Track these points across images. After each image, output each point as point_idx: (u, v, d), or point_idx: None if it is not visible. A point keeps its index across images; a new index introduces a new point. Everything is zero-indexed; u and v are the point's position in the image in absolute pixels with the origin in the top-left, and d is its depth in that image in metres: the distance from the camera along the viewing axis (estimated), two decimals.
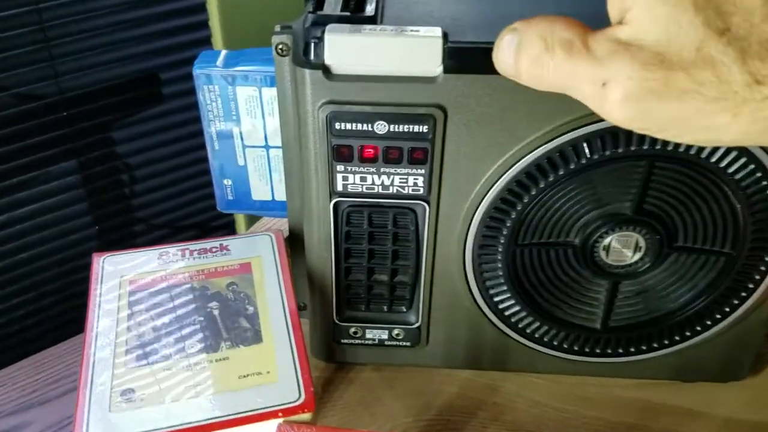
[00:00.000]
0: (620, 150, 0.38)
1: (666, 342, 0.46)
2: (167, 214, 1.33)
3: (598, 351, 0.47)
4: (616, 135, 0.37)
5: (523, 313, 0.45)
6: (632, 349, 0.47)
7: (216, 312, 0.41)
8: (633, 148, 0.38)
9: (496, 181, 0.39)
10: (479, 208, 0.40)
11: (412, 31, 0.35)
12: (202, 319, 0.41)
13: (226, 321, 0.41)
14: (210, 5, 1.21)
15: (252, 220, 1.40)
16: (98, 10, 1.10)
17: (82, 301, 0.42)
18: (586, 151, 0.38)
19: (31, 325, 1.23)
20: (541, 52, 0.26)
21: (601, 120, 0.36)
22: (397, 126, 0.37)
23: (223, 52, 0.44)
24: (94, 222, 1.24)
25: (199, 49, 1.23)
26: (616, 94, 0.25)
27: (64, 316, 1.26)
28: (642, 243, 0.42)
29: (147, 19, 1.16)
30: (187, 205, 1.35)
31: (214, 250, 0.46)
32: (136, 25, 1.16)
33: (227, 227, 1.42)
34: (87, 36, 1.11)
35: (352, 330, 0.47)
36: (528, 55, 0.27)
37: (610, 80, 0.25)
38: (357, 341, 0.48)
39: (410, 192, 0.40)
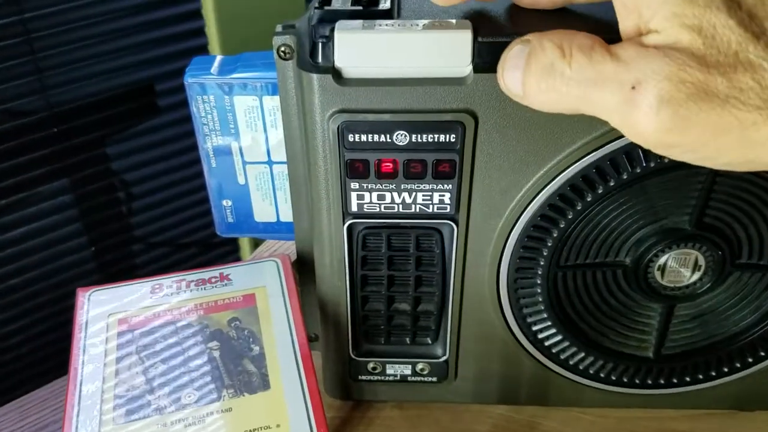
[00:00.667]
0: None
1: (726, 369, 0.41)
2: (166, 232, 1.28)
3: (649, 382, 0.42)
4: None
5: (566, 343, 0.40)
6: (687, 379, 0.42)
7: (217, 354, 0.36)
8: None
9: (536, 196, 0.34)
10: (515, 226, 0.36)
11: (435, 25, 0.31)
12: (200, 362, 0.36)
13: (229, 364, 0.36)
14: (206, 11, 1.16)
15: (257, 240, 1.36)
16: (87, 18, 1.06)
17: None
18: (642, 158, 0.33)
19: (24, 355, 1.18)
20: (555, 60, 0.23)
21: None
22: (419, 136, 0.33)
23: (218, 58, 0.39)
24: (89, 243, 1.19)
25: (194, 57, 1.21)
26: (650, 96, 0.22)
27: (59, 347, 1.21)
28: (702, 261, 0.37)
29: (140, 28, 1.12)
30: (187, 222, 1.30)
31: (213, 280, 0.41)
32: (128, 33, 1.11)
33: (229, 244, 1.38)
34: (76, 47, 1.07)
35: (371, 365, 0.42)
36: (540, 65, 0.23)
37: (643, 81, 0.22)
38: (376, 377, 0.43)
39: (435, 210, 0.35)
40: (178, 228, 1.30)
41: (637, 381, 0.42)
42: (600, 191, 0.34)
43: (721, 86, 0.21)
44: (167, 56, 1.16)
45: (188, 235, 1.32)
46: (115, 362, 0.36)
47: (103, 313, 0.39)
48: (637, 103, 0.22)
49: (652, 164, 0.33)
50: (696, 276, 0.38)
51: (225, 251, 1.38)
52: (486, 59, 0.31)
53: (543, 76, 0.24)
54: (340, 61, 0.31)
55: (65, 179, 1.13)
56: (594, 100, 0.23)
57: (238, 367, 0.36)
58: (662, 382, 0.42)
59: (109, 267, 1.23)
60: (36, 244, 1.13)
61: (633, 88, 0.22)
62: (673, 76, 0.21)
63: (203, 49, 1.19)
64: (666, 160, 0.33)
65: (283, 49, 0.34)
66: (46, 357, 1.20)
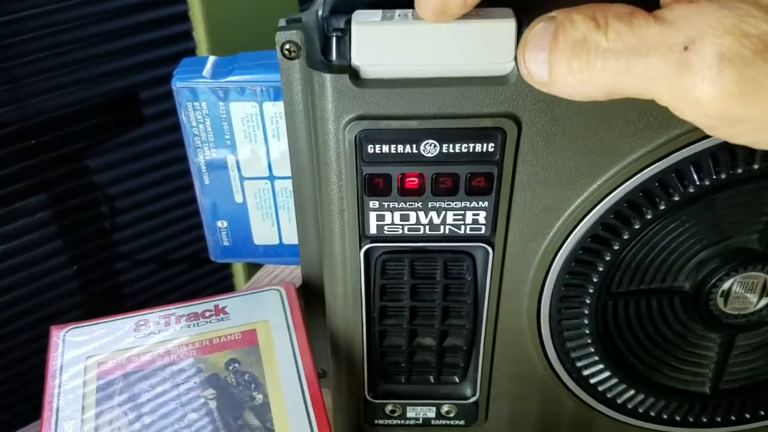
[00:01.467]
0: (755, 166, 0.29)
1: None
2: (153, 249, 1.23)
3: (704, 420, 0.38)
4: (750, 147, 0.28)
5: (614, 380, 0.35)
6: (747, 416, 0.38)
7: (213, 404, 0.31)
8: None
9: (587, 214, 0.30)
10: (561, 250, 0.31)
11: (471, 13, 0.26)
12: (194, 416, 0.31)
13: (227, 417, 0.31)
14: (194, 14, 1.11)
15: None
16: (66, 23, 1.00)
17: None
18: (712, 169, 0.28)
19: (2, 383, 1.12)
20: (588, 32, 0.19)
21: None
22: (452, 146, 0.28)
23: (211, 59, 0.34)
24: (71, 262, 1.13)
25: None
26: (707, 55, 0.18)
27: (39, 373, 1.15)
28: None
29: (122, 32, 1.06)
30: (175, 237, 1.25)
31: (207, 314, 0.36)
32: (109, 38, 1.06)
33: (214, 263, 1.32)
34: (53, 53, 1.01)
35: (389, 408, 0.37)
36: (569, 41, 0.20)
37: (697, 39, 0.18)
38: (395, 421, 0.38)
39: (468, 232, 0.31)
40: (165, 244, 1.24)
41: (691, 419, 0.38)
42: (662, 208, 0.29)
43: None
44: (152, 62, 1.11)
45: (177, 251, 1.26)
46: (94, 417, 0.31)
47: (81, 356, 0.34)
48: (691, 65, 0.18)
49: (723, 176, 0.29)
50: (764, 302, 0.33)
51: (216, 268, 1.32)
52: None
53: (574, 52, 0.20)
54: (358, 59, 0.27)
55: (44, 194, 1.07)
56: (637, 71, 0.19)
57: (238, 420, 0.31)
58: (719, 420, 0.38)
59: (93, 286, 1.18)
60: (13, 264, 1.07)
61: (686, 48, 0.18)
62: (735, 28, 0.18)
63: (191, 54, 1.14)
64: (738, 171, 0.29)
65: (288, 46, 0.29)
66: (24, 386, 1.14)
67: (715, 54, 0.18)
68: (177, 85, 0.33)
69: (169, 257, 1.26)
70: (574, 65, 0.20)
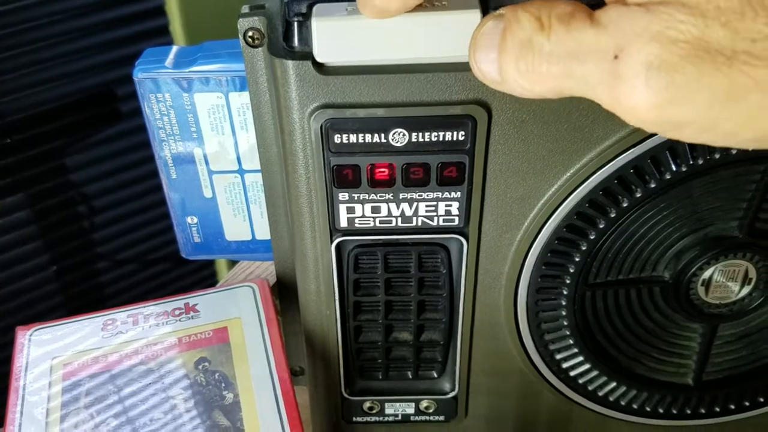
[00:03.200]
0: (733, 151, 0.28)
1: None
2: (133, 248, 1.22)
3: (688, 412, 0.37)
4: None
5: (594, 372, 0.35)
6: (732, 407, 0.37)
7: (182, 405, 0.31)
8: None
9: (561, 204, 0.29)
10: (536, 240, 0.30)
11: (434, 4, 0.25)
12: (162, 417, 0.30)
13: (197, 417, 0.30)
14: (170, 8, 1.10)
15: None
16: (38, 19, 0.99)
17: None
18: (688, 154, 0.28)
19: None
20: (533, 34, 0.20)
21: None
22: (421, 134, 0.27)
23: (174, 49, 0.34)
24: (51, 262, 1.12)
25: None
26: (635, 64, 0.18)
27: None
28: (753, 273, 0.32)
29: (96, 28, 1.05)
30: (156, 236, 1.24)
31: (177, 312, 0.36)
32: (84, 34, 1.04)
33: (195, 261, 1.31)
34: (28, 49, 0.99)
35: (367, 405, 0.37)
36: (516, 41, 0.20)
37: (625, 47, 0.18)
38: (374, 418, 0.38)
39: (441, 223, 0.30)
40: (146, 243, 1.23)
41: (674, 411, 0.37)
42: (638, 195, 0.29)
43: (724, 40, 0.17)
44: (128, 58, 1.08)
45: (158, 249, 1.25)
46: (59, 419, 0.30)
47: (46, 356, 0.33)
48: (621, 74, 0.18)
49: (700, 161, 0.28)
50: (745, 291, 0.33)
51: (198, 266, 1.31)
52: None
53: (521, 54, 0.20)
54: (321, 46, 0.26)
55: (21, 194, 1.06)
56: (576, 76, 0.19)
57: (207, 420, 0.30)
58: (703, 411, 0.38)
59: (73, 287, 1.16)
60: None
61: (616, 57, 0.18)
62: (661, 35, 0.18)
63: None
64: (716, 156, 0.28)
65: (250, 33, 0.29)
66: (3, 387, 1.13)
67: (642, 63, 0.18)
68: (139, 75, 0.32)
69: (151, 256, 1.24)
70: (522, 67, 0.20)
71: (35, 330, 0.35)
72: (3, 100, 0.99)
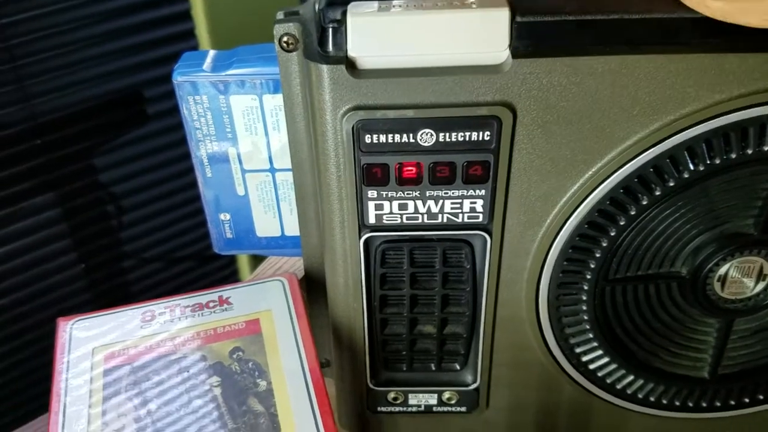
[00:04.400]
0: (749, 151, 0.29)
1: None
2: (159, 246, 1.23)
3: (704, 405, 0.38)
4: (745, 131, 0.28)
5: (613, 366, 0.36)
6: (746, 400, 0.38)
7: (218, 391, 0.32)
8: (766, 148, 0.29)
9: (583, 201, 0.30)
10: (558, 236, 0.31)
11: (464, 3, 0.26)
12: (199, 403, 0.31)
13: (232, 403, 0.31)
14: (196, 13, 1.11)
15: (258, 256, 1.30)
16: (70, 23, 1.00)
17: None
18: (706, 154, 0.29)
19: (8, 383, 1.12)
20: None
21: (728, 112, 0.28)
22: (448, 134, 0.28)
23: (211, 53, 0.35)
24: (78, 260, 1.14)
25: None
26: None
27: (47, 373, 1.14)
28: (767, 269, 0.33)
29: (125, 31, 1.07)
30: (181, 234, 1.25)
31: (211, 304, 0.37)
32: (113, 38, 1.06)
33: (226, 257, 1.32)
34: (59, 53, 1.01)
35: (391, 395, 0.38)
36: None
37: None
38: (397, 408, 0.38)
39: (466, 220, 0.31)
40: (171, 241, 1.25)
41: (690, 404, 0.38)
42: (657, 194, 0.30)
43: None
44: (155, 61, 1.11)
45: (183, 248, 1.27)
46: (101, 404, 0.32)
47: (88, 347, 0.35)
48: None
49: (718, 161, 0.29)
50: (760, 286, 0.34)
51: (222, 264, 1.33)
52: (526, 42, 0.27)
53: None
54: (354, 50, 0.27)
55: (51, 193, 1.07)
56: None
57: (242, 406, 0.31)
58: (718, 404, 0.38)
59: (100, 284, 1.18)
60: (21, 263, 1.07)
61: None
62: None
63: None
64: (732, 156, 0.29)
65: (285, 39, 0.30)
66: (32, 383, 1.14)
67: None
68: (178, 79, 0.33)
69: (176, 254, 1.26)
70: None
71: (76, 321, 0.37)
72: (34, 102, 1.01)
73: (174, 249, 1.25)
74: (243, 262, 1.33)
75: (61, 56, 1.02)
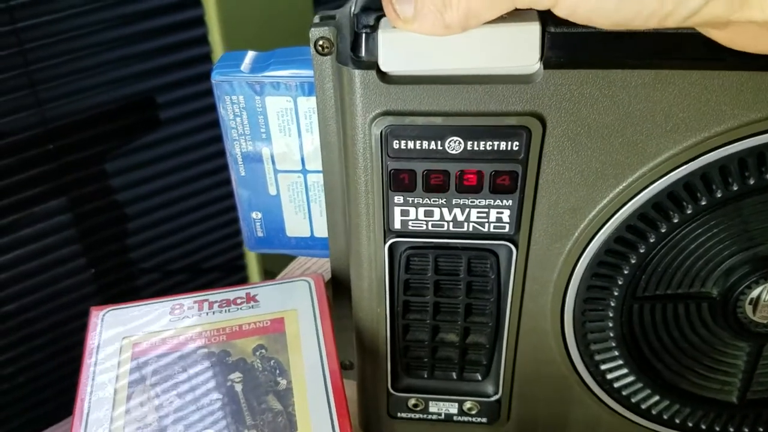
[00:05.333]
0: None
1: None
2: (170, 251, 1.24)
3: (731, 430, 0.38)
4: None
5: (638, 385, 0.35)
6: None
7: (239, 387, 0.32)
8: None
9: (612, 216, 0.30)
10: (586, 251, 0.31)
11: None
12: (220, 397, 0.32)
13: (252, 400, 0.32)
14: (209, 18, 1.12)
15: (264, 262, 1.31)
16: (83, 28, 1.01)
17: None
18: (739, 174, 0.28)
19: (21, 385, 1.14)
20: None
21: (763, 132, 0.27)
22: (476, 143, 0.28)
23: (250, 54, 0.36)
24: (88, 265, 1.15)
25: (197, 67, 1.14)
26: None
27: (59, 374, 1.16)
28: None
29: (138, 37, 1.07)
30: (191, 240, 1.25)
31: (239, 301, 0.37)
32: (126, 43, 1.07)
33: (234, 265, 1.32)
34: (72, 58, 1.02)
35: (412, 402, 0.38)
36: None
37: None
38: (418, 415, 0.39)
39: (492, 230, 0.31)
40: (181, 247, 1.25)
41: (717, 429, 0.38)
42: (688, 212, 0.30)
43: None
44: (168, 66, 1.11)
45: (193, 254, 1.27)
46: (126, 394, 0.32)
47: (117, 336, 0.36)
48: None
49: (751, 181, 0.29)
50: None
51: (231, 270, 1.33)
52: (557, 53, 0.27)
53: None
54: (385, 56, 0.27)
55: (62, 198, 1.09)
56: None
57: (262, 404, 0.32)
58: (746, 430, 0.37)
59: (110, 289, 1.19)
60: (32, 267, 1.09)
61: None
62: None
63: (206, 58, 1.15)
64: (766, 176, 0.28)
65: (321, 42, 0.30)
66: (44, 386, 1.16)
67: None
68: (216, 78, 0.34)
69: (186, 260, 1.26)
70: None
71: (108, 311, 0.38)
72: (46, 108, 1.02)
73: (183, 255, 1.26)
74: (253, 270, 1.33)
75: (73, 61, 1.03)
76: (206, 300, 0.38)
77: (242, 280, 1.34)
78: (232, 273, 1.34)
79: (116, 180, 1.14)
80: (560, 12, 0.23)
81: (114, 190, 1.15)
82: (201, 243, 1.26)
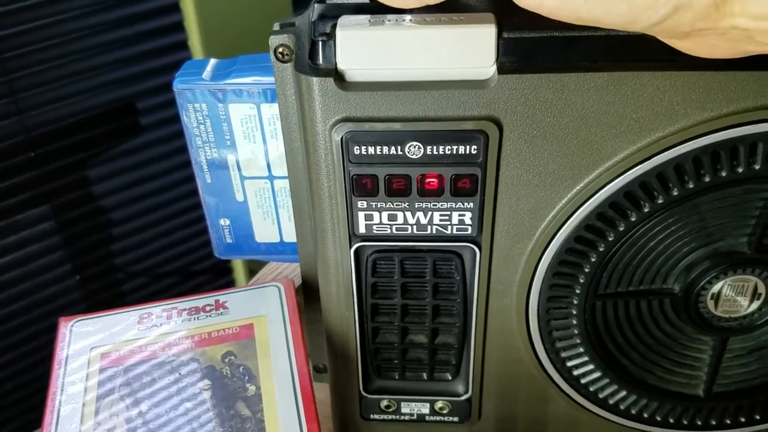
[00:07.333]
0: (740, 170, 0.29)
1: None
2: (154, 256, 1.24)
3: (698, 423, 0.38)
4: (735, 150, 0.29)
5: (605, 381, 0.36)
6: (742, 419, 0.38)
7: (207, 395, 0.33)
8: (757, 167, 0.29)
9: (571, 216, 0.31)
10: (547, 250, 0.32)
11: (452, 19, 0.27)
12: (189, 405, 0.32)
13: (221, 407, 0.32)
14: (188, 24, 1.11)
15: (251, 265, 1.31)
16: (63, 35, 1.01)
17: None
18: (694, 172, 0.29)
19: (7, 393, 1.13)
20: None
21: (717, 130, 0.28)
22: (436, 148, 0.29)
23: (212, 62, 0.36)
24: (73, 272, 1.15)
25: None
26: None
27: (45, 383, 1.14)
28: (762, 289, 0.33)
29: (118, 43, 1.07)
30: (174, 245, 1.25)
31: (207, 308, 0.38)
32: (106, 50, 1.06)
33: (221, 269, 1.32)
34: (52, 65, 1.02)
35: (384, 403, 0.38)
36: None
37: None
38: (390, 416, 0.39)
39: (455, 232, 0.31)
40: (166, 252, 1.25)
41: (685, 422, 0.38)
42: (646, 210, 0.30)
43: None
44: (148, 72, 1.11)
45: (177, 259, 1.27)
46: (95, 403, 0.33)
47: (86, 347, 0.36)
48: None
49: (707, 179, 0.29)
50: (755, 305, 0.34)
51: (217, 274, 1.33)
52: (511, 58, 0.27)
53: None
54: (343, 63, 0.28)
55: (45, 206, 1.08)
56: None
57: (230, 410, 0.32)
58: (713, 423, 0.38)
59: (95, 296, 1.19)
60: (16, 275, 1.08)
61: None
62: None
63: None
64: (723, 174, 0.29)
65: (280, 50, 0.31)
66: (30, 394, 1.16)
67: None
68: (178, 87, 0.34)
69: (171, 265, 1.26)
70: None
71: (76, 321, 0.38)
72: (26, 115, 1.02)
73: (169, 260, 1.26)
74: (239, 272, 1.34)
75: (54, 69, 1.03)
76: (175, 308, 0.38)
77: (229, 283, 1.34)
78: (219, 276, 1.34)
79: (99, 186, 1.14)
80: (526, 2, 0.23)
81: (97, 196, 1.14)
82: (186, 247, 1.26)
